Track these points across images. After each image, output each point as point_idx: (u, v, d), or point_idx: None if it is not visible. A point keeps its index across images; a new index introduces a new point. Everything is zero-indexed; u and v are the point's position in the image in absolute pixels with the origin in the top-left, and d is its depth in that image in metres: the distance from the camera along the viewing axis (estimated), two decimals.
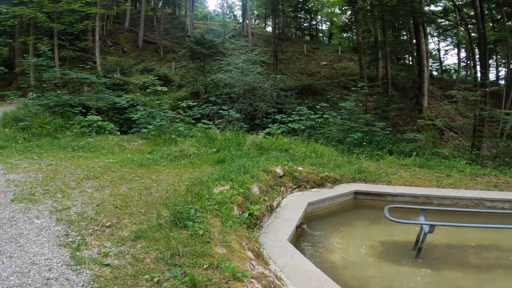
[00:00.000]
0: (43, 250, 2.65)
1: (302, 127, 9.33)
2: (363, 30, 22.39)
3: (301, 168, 6.12)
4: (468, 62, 29.70)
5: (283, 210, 4.87)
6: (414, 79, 19.44)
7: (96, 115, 10.07)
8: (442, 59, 33.97)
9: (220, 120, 9.59)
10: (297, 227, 4.50)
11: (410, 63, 28.51)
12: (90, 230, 3.09)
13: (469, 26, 13.93)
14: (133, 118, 10.56)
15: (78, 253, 2.61)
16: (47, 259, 2.52)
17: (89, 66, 14.17)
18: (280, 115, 10.08)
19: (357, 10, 20.58)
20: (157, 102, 12.07)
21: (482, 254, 4.14)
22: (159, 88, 12.93)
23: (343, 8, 25.17)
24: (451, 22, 20.55)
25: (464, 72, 29.68)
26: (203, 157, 6.74)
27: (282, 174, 5.76)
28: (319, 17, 35.45)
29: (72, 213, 3.44)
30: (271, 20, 31.96)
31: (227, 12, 47.07)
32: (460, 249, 4.37)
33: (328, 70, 23.86)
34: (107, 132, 9.51)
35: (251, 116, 12.51)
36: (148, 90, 13.58)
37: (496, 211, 4.75)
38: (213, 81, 15.37)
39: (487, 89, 7.67)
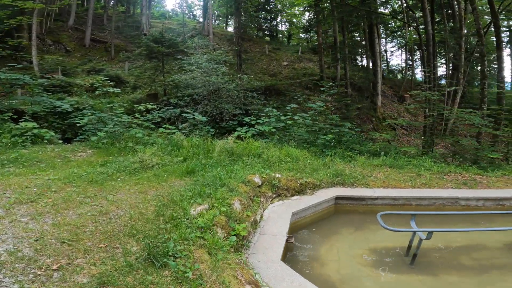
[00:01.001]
0: None
1: (273, 130, 8.95)
2: (322, 31, 22.90)
3: (279, 175, 5.70)
4: (411, 62, 32.46)
5: (267, 224, 4.39)
6: (370, 79, 20.39)
7: (32, 121, 8.55)
8: (388, 60, 36.53)
9: (184, 124, 8.75)
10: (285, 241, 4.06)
11: (364, 63, 30.15)
12: (31, 276, 2.30)
13: (420, 27, 14.86)
14: (79, 124, 9.17)
15: None
16: None
17: (22, 66, 12.21)
18: (248, 117, 9.56)
19: (319, 10, 20.93)
20: (108, 105, 10.76)
21: (471, 255, 4.10)
22: (111, 89, 11.57)
23: (306, 8, 25.50)
24: (404, 23, 21.84)
25: (409, 72, 32.24)
26: (168, 168, 5.94)
27: (260, 184, 5.28)
28: (279, 18, 35.82)
29: (2, 252, 2.58)
30: (232, 20, 31.39)
31: (186, 12, 45.45)
32: (448, 251, 4.31)
33: (290, 70, 24.05)
34: (46, 141, 8.06)
35: (217, 118, 11.80)
36: (96, 92, 12.10)
37: (484, 212, 4.76)
38: (173, 82, 14.27)
39: (448, 89, 8.14)
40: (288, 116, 9.55)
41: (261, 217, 4.57)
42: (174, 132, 8.40)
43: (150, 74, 17.14)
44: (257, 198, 4.90)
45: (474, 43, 21.50)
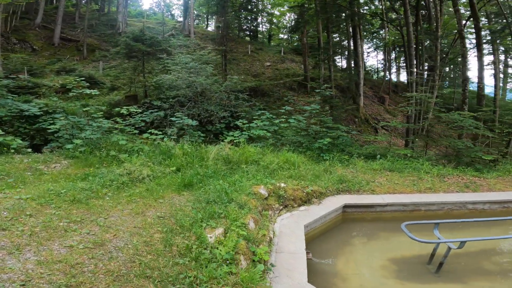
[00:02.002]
0: None
1: (268, 134, 8.57)
2: (306, 31, 22.83)
3: (284, 185, 5.34)
4: (388, 64, 33.46)
5: (281, 240, 4.02)
6: (354, 80, 20.56)
7: None
8: (365, 61, 37.30)
9: (173, 129, 8.12)
10: None
11: (343, 64, 30.54)
12: None
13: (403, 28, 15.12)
14: (50, 130, 8.19)
15: None
16: None
17: None
18: (241, 120, 9.10)
19: (305, 10, 20.80)
20: (84, 108, 9.81)
21: (492, 259, 4.00)
22: (88, 91, 10.58)
23: (290, 8, 25.32)
24: (383, 21, 22.21)
25: (383, 73, 33.15)
26: (161, 180, 5.36)
27: (267, 195, 4.89)
28: (260, 18, 35.53)
29: None
30: (213, 20, 30.57)
31: (165, 11, 44.01)
32: (467, 256, 4.17)
33: (272, 71, 23.80)
34: (12, 150, 7.08)
35: (205, 122, 11.19)
36: (71, 94, 11.05)
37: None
38: (157, 82, 13.40)
39: (444, 91, 8.20)
40: (282, 119, 9.21)
41: (273, 232, 4.18)
42: (163, 138, 7.75)
43: (129, 74, 16.10)
44: (266, 211, 4.51)
45: (445, 45, 22.43)
